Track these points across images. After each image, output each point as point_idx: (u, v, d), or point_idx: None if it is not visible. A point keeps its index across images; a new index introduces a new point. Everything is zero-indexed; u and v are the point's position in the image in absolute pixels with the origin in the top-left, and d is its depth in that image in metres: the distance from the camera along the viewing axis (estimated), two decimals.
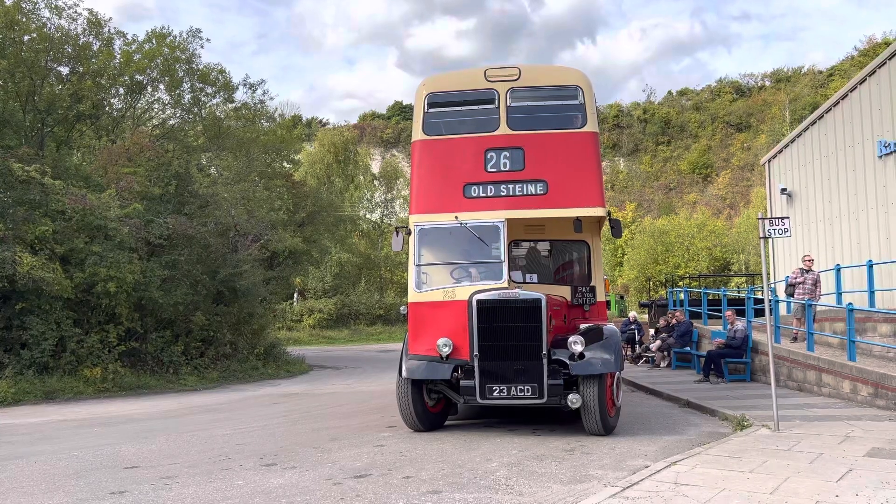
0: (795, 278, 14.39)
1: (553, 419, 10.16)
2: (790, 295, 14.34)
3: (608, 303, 11.21)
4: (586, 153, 9.73)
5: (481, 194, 9.64)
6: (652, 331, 21.07)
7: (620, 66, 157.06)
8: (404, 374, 9.17)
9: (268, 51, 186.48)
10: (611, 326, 9.59)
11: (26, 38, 20.21)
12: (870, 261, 14.01)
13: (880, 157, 15.87)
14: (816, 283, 14.27)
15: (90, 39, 22.12)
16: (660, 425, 9.93)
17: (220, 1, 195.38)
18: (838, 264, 15.26)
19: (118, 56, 22.72)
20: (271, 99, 36.90)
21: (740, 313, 16.05)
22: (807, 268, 14.40)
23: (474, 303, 8.87)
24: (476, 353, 8.80)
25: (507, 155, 9.67)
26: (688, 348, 17.30)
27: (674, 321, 18.43)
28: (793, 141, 20.22)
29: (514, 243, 10.51)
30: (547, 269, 11.21)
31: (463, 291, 9.19)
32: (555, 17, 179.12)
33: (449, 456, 7.84)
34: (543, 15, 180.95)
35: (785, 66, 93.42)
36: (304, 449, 8.54)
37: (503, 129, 9.74)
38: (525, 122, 9.83)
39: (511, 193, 9.60)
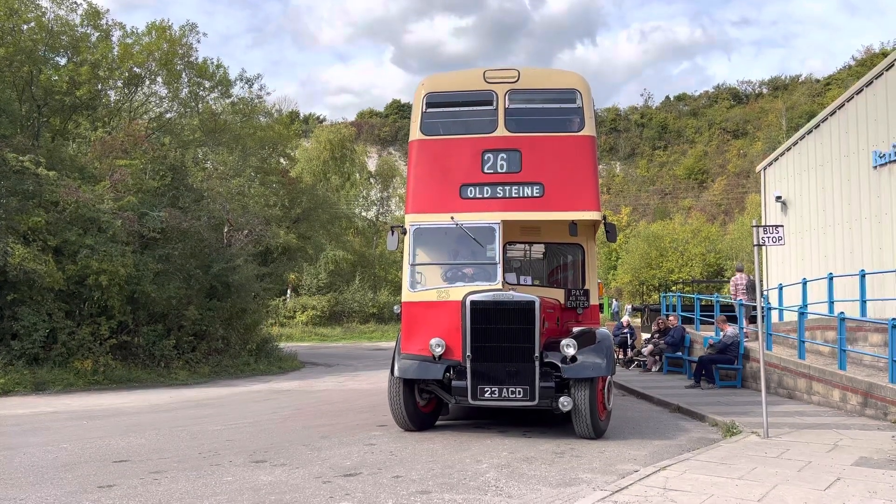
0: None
1: (544, 421, 10.17)
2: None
3: (601, 306, 11.26)
4: (583, 157, 9.74)
5: (477, 195, 9.64)
6: (645, 335, 21.12)
7: (619, 69, 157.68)
8: (396, 373, 9.15)
9: (260, 44, 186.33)
10: (603, 330, 9.61)
11: (25, 27, 20.13)
12: (862, 270, 14.07)
13: (875, 167, 15.94)
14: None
15: (88, 30, 22.05)
16: (650, 430, 9.95)
17: None
18: (831, 273, 15.32)
19: (116, 48, 22.66)
20: (268, 94, 36.98)
21: (732, 319, 16.15)
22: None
23: (468, 304, 8.86)
24: (468, 353, 8.79)
25: (504, 157, 9.67)
26: (679, 353, 17.35)
27: (664, 326, 18.47)
28: (789, 149, 20.29)
29: (509, 245, 10.51)
30: (541, 271, 11.23)
31: (457, 292, 9.19)
32: (555, 17, 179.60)
33: (439, 456, 7.84)
34: (544, 14, 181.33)
35: (782, 75, 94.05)
36: (294, 446, 8.53)
37: (501, 131, 9.74)
38: (523, 125, 9.83)
39: (507, 195, 9.60)
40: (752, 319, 16.08)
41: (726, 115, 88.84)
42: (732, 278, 17.27)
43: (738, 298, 16.30)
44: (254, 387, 17.25)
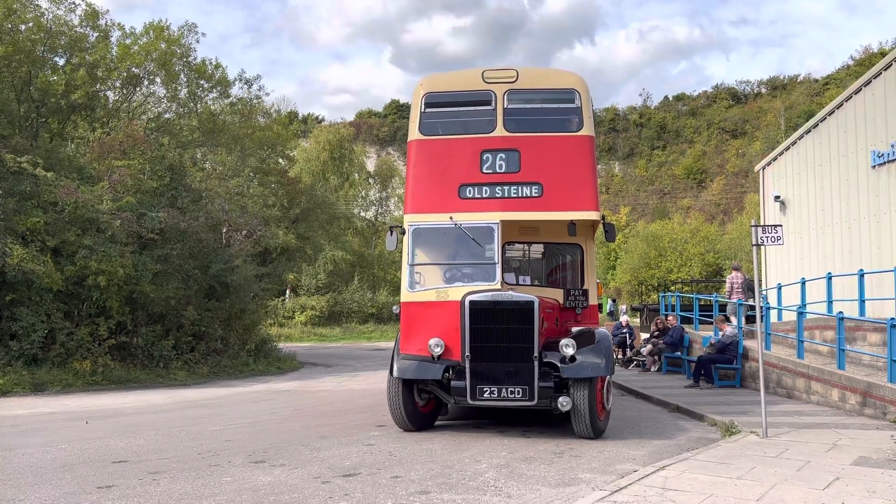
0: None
1: (543, 421, 10.17)
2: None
3: (600, 306, 11.22)
4: (582, 157, 9.74)
5: (476, 195, 9.64)
6: (644, 335, 21.12)
7: (618, 68, 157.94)
8: (395, 373, 9.15)
9: (258, 44, 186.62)
10: (602, 330, 9.60)
11: (23, 27, 20.11)
12: (861, 270, 14.08)
13: (873, 166, 15.94)
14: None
15: (86, 30, 22.04)
16: (649, 429, 9.96)
17: None
18: (829, 273, 15.32)
19: (115, 48, 22.65)
20: (267, 94, 36.70)
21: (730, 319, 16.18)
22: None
23: (467, 304, 8.86)
24: (468, 353, 8.79)
25: (503, 157, 9.67)
26: (678, 353, 17.36)
27: (663, 326, 18.47)
28: (787, 149, 20.29)
29: (507, 245, 10.51)
30: (540, 271, 11.22)
31: (456, 292, 9.19)
32: (554, 17, 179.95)
33: (438, 456, 7.84)
34: (542, 14, 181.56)
35: (781, 74, 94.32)
36: (293, 446, 8.53)
37: (499, 131, 9.73)
38: (521, 125, 9.83)
39: (506, 195, 9.59)
40: (749, 319, 16.12)
41: (725, 114, 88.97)
42: (729, 277, 17.34)
43: (733, 298, 16.35)
44: (253, 387, 17.24)
